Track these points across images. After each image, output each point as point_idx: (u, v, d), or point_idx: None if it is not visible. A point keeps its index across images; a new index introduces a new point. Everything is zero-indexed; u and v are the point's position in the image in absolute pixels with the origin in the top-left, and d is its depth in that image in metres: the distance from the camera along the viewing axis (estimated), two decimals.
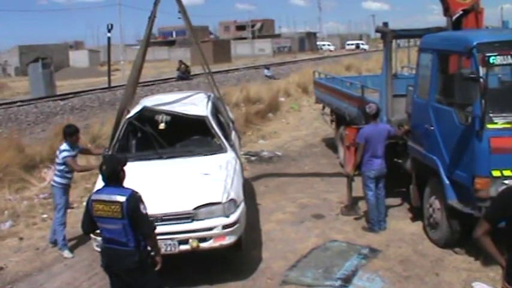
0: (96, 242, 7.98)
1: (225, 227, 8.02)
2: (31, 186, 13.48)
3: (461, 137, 8.27)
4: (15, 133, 17.37)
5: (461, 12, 11.66)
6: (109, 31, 43.49)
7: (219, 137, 9.91)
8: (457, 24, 11.73)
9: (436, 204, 9.15)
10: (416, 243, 9.44)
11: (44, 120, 23.51)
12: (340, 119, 15.28)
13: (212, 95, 11.92)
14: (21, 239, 10.74)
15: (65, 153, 9.62)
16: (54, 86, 35.82)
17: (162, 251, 7.80)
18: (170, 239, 7.91)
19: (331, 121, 16.79)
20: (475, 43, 8.01)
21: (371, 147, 10.03)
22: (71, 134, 9.73)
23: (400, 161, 10.79)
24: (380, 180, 10.19)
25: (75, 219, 11.17)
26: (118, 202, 5.97)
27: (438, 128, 8.98)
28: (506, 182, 7.67)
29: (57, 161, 9.80)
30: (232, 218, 8.12)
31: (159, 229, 7.56)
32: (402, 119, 10.80)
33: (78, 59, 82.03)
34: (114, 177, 6.19)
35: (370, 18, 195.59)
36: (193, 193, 8.29)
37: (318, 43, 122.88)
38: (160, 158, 9.72)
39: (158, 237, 7.58)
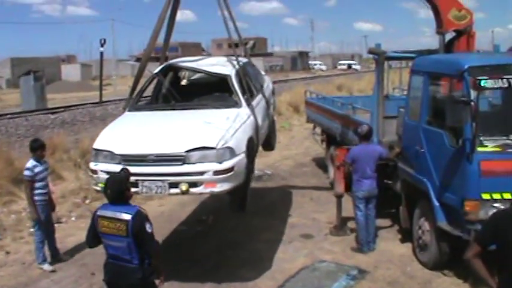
0: (93, 180, 8.55)
1: (216, 173, 7.95)
2: (19, 199, 13.37)
3: (451, 159, 8.30)
4: (5, 146, 17.27)
5: (453, 33, 11.80)
6: (102, 46, 43.54)
7: (237, 94, 9.80)
8: (448, 47, 11.83)
9: (426, 226, 9.15)
10: (405, 264, 9.41)
11: (34, 133, 23.37)
12: (330, 139, 15.31)
13: (245, 61, 11.75)
14: (7, 253, 10.62)
15: (25, 172, 9.58)
16: (46, 99, 35.74)
17: (153, 192, 8.11)
18: (161, 180, 7.97)
19: (322, 141, 16.80)
20: (466, 66, 8.06)
21: (360, 167, 10.04)
22: (35, 148, 9.69)
23: (390, 182, 10.79)
24: (370, 201, 10.16)
25: (63, 233, 11.16)
26: (123, 220, 5.89)
27: (429, 150, 8.99)
28: (495, 205, 7.69)
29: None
30: (226, 165, 8.01)
31: (151, 170, 7.95)
32: (393, 140, 10.82)
33: (70, 72, 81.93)
34: (119, 198, 6.08)
35: (362, 38, 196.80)
36: (188, 136, 8.30)
37: (310, 62, 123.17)
38: (173, 109, 9.82)
39: (149, 178, 7.81)
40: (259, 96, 11.15)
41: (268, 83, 13.05)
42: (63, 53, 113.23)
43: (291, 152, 20.51)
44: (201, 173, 7.96)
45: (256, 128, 9.82)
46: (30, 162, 9.61)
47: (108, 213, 6.04)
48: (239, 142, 8.49)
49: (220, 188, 8.11)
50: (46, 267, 9.70)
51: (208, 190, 8.14)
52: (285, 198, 13.99)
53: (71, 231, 11.70)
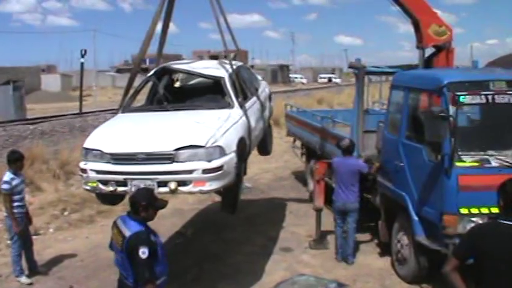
0: (83, 179, 8.50)
1: (205, 171, 7.88)
2: None
3: (430, 174, 8.36)
4: None
5: (433, 49, 11.96)
6: (82, 56, 43.25)
7: (230, 95, 9.74)
8: (428, 62, 11.98)
9: (404, 240, 9.20)
10: (384, 278, 9.45)
11: (12, 144, 23.11)
12: (310, 153, 15.35)
13: (240, 64, 11.69)
14: None
15: (4, 186, 9.41)
16: (25, 110, 35.48)
17: None
18: (150, 179, 7.89)
19: (302, 154, 16.85)
20: (445, 82, 8.15)
21: (337, 179, 10.20)
22: (13, 160, 9.56)
23: (369, 196, 10.84)
24: (349, 215, 10.22)
25: (41, 246, 11.07)
26: (123, 235, 5.79)
27: (408, 164, 9.06)
28: (473, 219, 7.76)
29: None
30: (215, 163, 7.93)
31: (140, 168, 7.92)
32: (372, 154, 10.88)
33: (50, 82, 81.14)
34: (132, 208, 5.95)
35: (342, 52, 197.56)
36: (177, 135, 8.27)
37: (290, 75, 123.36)
38: (165, 110, 9.77)
39: (139, 176, 7.77)
40: (254, 99, 11.08)
41: (264, 87, 13.03)
42: (43, 63, 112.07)
43: (270, 165, 20.51)
44: (190, 172, 7.89)
45: (249, 129, 9.76)
46: (8, 175, 9.45)
47: (119, 223, 5.96)
48: (229, 141, 8.43)
49: (210, 186, 8.05)
50: (23, 280, 9.59)
51: (197, 189, 8.04)
52: (264, 212, 13.99)
53: (49, 243, 11.62)
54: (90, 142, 8.61)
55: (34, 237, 10.60)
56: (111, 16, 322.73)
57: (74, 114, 35.77)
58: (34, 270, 9.89)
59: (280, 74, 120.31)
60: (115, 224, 6.03)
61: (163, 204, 6.18)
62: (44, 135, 25.44)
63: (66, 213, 13.70)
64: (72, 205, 14.08)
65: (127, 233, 5.76)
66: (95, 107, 42.05)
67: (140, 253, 5.60)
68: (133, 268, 5.74)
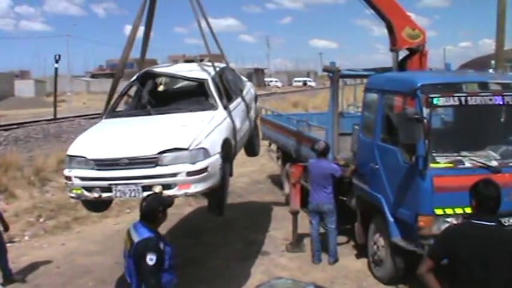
0: (68, 187, 8.49)
1: (189, 174, 7.86)
2: None
3: (405, 175, 8.44)
4: None
5: (407, 52, 12.07)
6: (56, 62, 42.77)
7: (213, 97, 9.67)
8: (402, 65, 12.08)
9: (381, 241, 9.26)
10: (361, 280, 9.50)
11: None
12: (286, 156, 15.37)
13: (224, 66, 11.64)
14: None
15: None
16: None
17: (127, 196, 7.99)
18: (134, 184, 7.88)
19: (278, 158, 16.87)
20: (419, 84, 8.23)
21: (311, 180, 10.36)
22: None
23: (345, 198, 10.89)
24: (324, 216, 10.34)
25: (16, 253, 10.96)
26: (132, 240, 5.77)
27: (383, 166, 9.13)
28: (448, 220, 7.84)
29: None
30: (199, 165, 7.91)
31: (124, 173, 7.89)
32: (348, 157, 10.93)
33: (24, 88, 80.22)
34: (149, 217, 5.89)
35: (317, 55, 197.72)
36: (160, 138, 8.24)
37: (265, 79, 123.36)
38: (149, 114, 9.69)
39: (123, 182, 7.77)
40: (238, 100, 11.06)
41: (249, 88, 13.07)
42: (17, 69, 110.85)
43: (246, 169, 20.46)
44: (174, 175, 7.86)
45: (234, 130, 9.72)
46: None
47: (131, 229, 5.93)
48: (213, 143, 8.40)
49: (195, 189, 8.02)
50: None
51: (182, 192, 8.00)
52: (241, 215, 13.97)
53: (24, 250, 11.52)
54: (74, 149, 8.57)
55: (8, 244, 10.48)
56: (85, 21, 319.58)
57: (49, 120, 35.39)
58: (9, 278, 9.79)
59: (255, 77, 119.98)
60: (128, 230, 6.00)
61: (170, 201, 6.28)
62: (18, 142, 25.13)
63: (41, 220, 13.58)
64: (48, 212, 13.96)
65: (136, 239, 5.73)
66: (69, 112, 41.69)
67: (148, 260, 5.57)
68: (139, 275, 5.69)
